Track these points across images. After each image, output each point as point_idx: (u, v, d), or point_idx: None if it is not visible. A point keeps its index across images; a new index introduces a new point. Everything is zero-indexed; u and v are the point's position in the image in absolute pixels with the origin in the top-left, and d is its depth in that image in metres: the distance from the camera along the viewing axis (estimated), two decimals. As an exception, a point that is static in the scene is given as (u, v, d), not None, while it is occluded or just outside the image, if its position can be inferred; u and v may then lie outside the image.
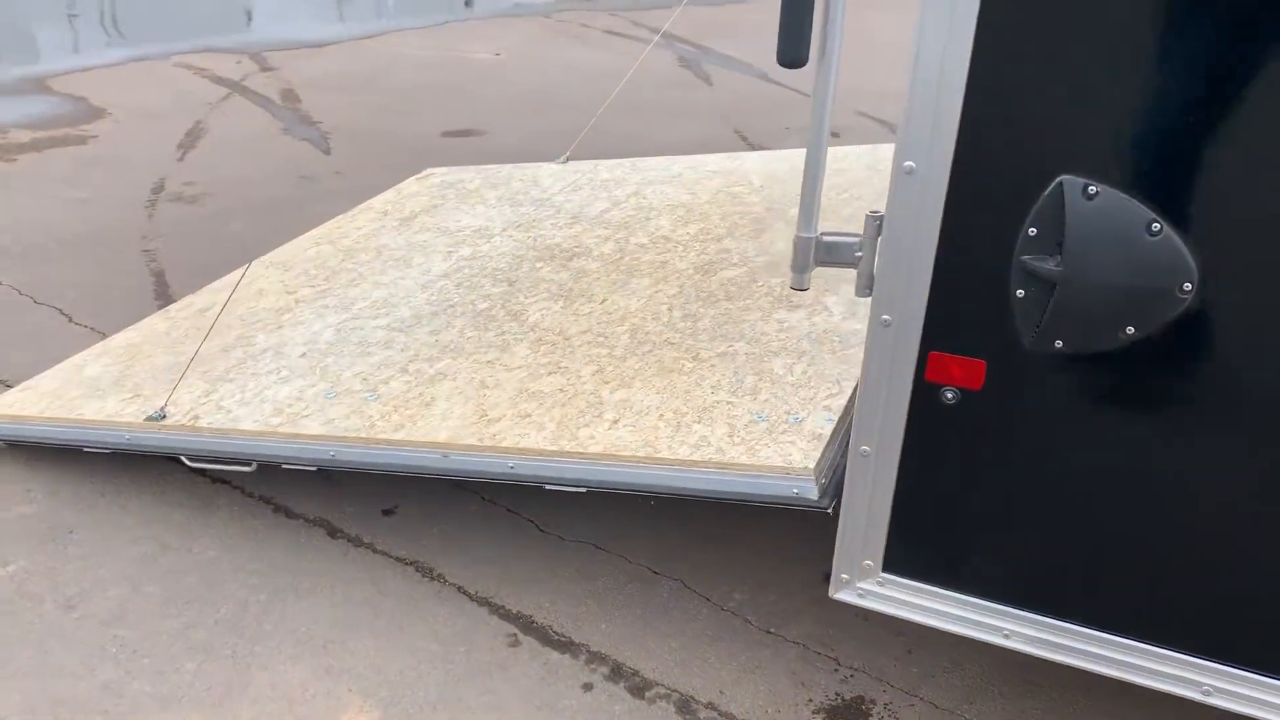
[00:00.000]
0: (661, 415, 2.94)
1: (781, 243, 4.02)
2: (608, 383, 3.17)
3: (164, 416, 3.40)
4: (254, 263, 4.76)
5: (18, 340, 4.56)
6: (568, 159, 5.54)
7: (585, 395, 3.11)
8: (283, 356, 3.70)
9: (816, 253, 2.17)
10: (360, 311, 3.97)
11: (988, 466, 2.21)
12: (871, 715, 2.81)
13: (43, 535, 3.42)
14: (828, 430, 2.73)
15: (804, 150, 2.09)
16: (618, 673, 2.94)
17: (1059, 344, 2.01)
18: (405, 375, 3.42)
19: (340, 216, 5.26)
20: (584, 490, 2.84)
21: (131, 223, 5.74)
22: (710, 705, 2.86)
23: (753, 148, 7.06)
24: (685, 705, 2.84)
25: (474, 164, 5.77)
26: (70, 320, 4.70)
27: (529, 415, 3.06)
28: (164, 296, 4.89)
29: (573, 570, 3.30)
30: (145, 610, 3.12)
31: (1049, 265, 1.95)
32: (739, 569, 3.30)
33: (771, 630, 3.10)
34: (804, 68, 2.03)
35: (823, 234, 2.16)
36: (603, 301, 3.77)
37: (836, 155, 4.76)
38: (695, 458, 2.72)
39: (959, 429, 2.19)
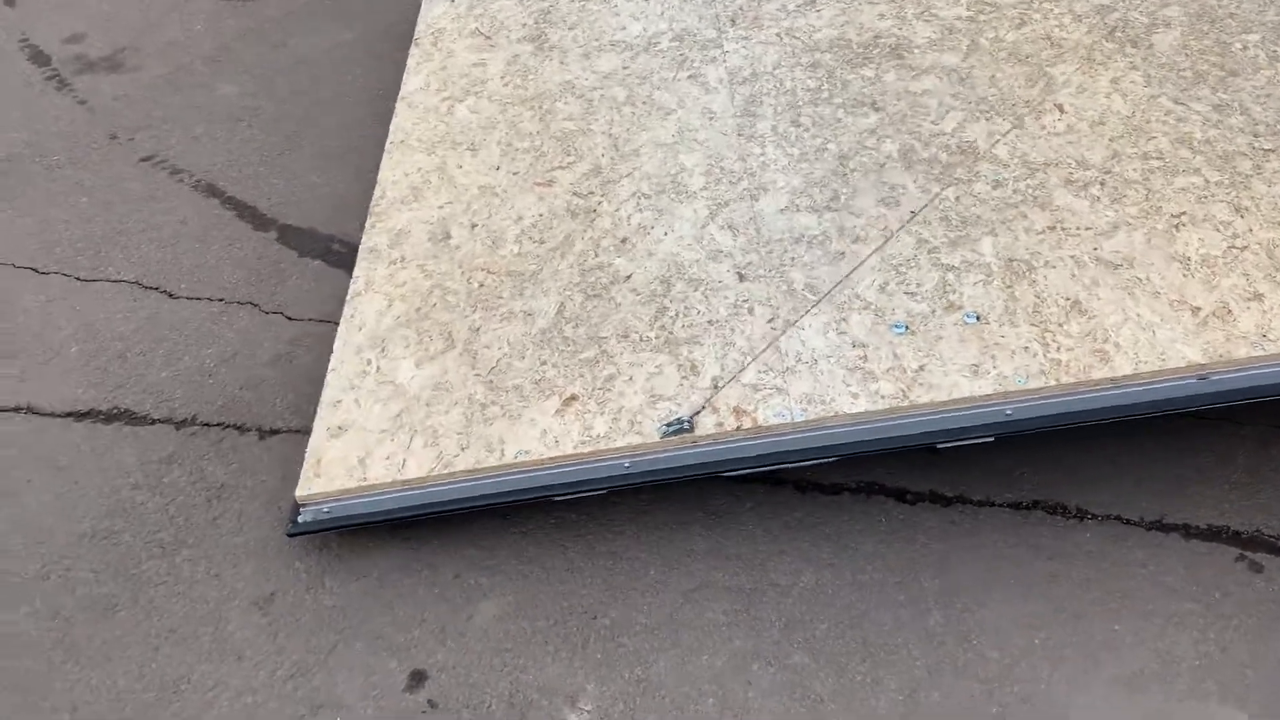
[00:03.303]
0: None
1: (1165, -15, 3.21)
2: (1290, 225, 2.40)
3: (691, 426, 2.26)
4: (392, 148, 3.30)
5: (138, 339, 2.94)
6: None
7: (1286, 248, 2.34)
8: (713, 287, 2.57)
9: None
10: (707, 193, 2.85)
11: None
12: None
13: (565, 638, 2.30)
14: None
15: None
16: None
17: None
18: (963, 274, 2.48)
19: (415, 54, 3.75)
20: None
21: (62, 116, 3.81)
22: None
23: None
24: None
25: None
26: (172, 296, 3.07)
27: (1259, 294, 2.27)
28: (263, 222, 3.30)
29: (1198, 457, 2.63)
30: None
31: None
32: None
33: None
34: None
35: None
36: (1063, 111, 2.87)
37: None
38: None
39: None
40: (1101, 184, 2.58)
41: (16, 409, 2.71)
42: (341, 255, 3.13)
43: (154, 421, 2.67)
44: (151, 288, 3.03)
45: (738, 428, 2.23)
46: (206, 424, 2.65)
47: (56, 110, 3.77)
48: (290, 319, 2.93)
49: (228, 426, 2.64)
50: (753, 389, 2.30)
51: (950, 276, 2.44)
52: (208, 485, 2.51)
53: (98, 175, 3.45)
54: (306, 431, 2.62)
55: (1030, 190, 2.61)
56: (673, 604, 2.29)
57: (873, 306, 2.41)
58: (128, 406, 2.70)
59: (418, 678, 2.17)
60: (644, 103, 3.22)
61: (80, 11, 4.30)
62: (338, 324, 2.86)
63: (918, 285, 2.44)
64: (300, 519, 2.35)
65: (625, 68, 3.40)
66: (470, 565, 2.36)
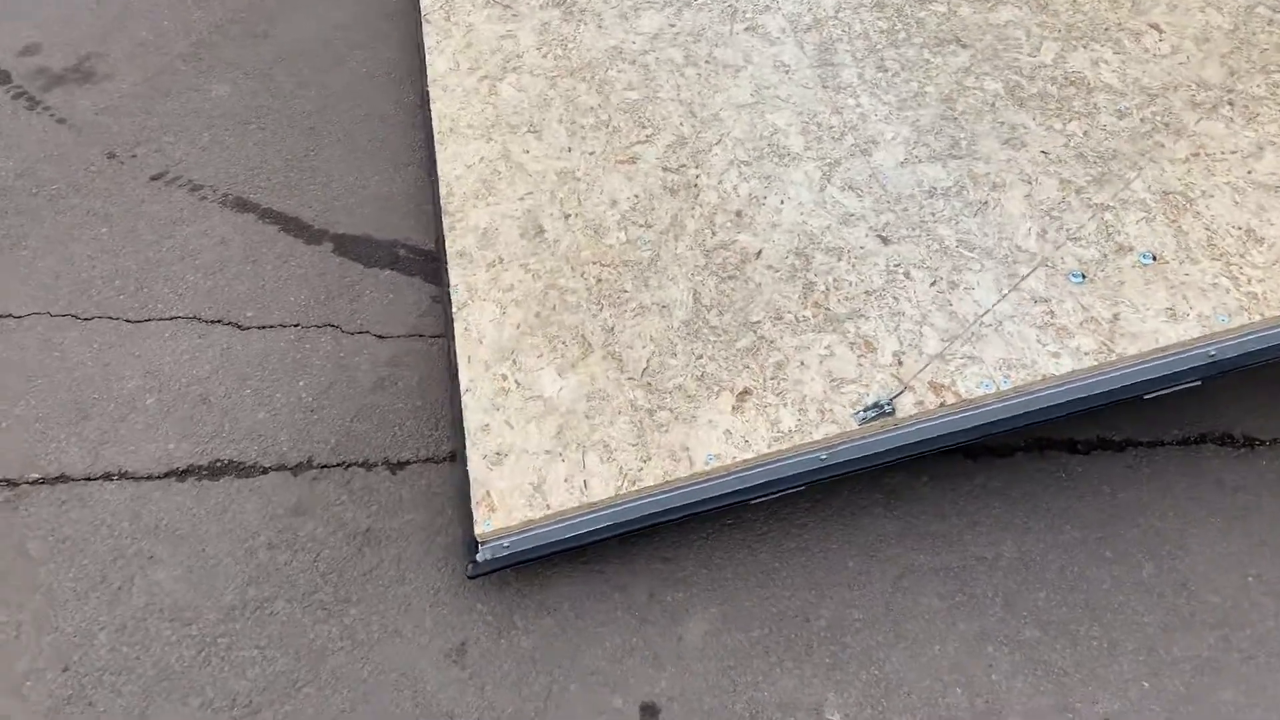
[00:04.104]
0: None
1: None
2: None
3: (892, 409, 2.14)
4: (442, 138, 3.07)
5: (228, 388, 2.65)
6: None
7: None
8: (857, 254, 2.46)
9: None
10: (812, 153, 2.71)
11: None
12: None
13: (786, 646, 2.17)
14: None
15: None
16: None
17: None
18: (1121, 213, 2.42)
19: (430, 32, 3.50)
20: None
21: (45, 139, 3.43)
22: None
23: None
24: None
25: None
26: (240, 327, 2.81)
27: None
28: (312, 234, 3.05)
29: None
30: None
31: None
32: None
33: None
34: None
35: None
36: (1162, 31, 2.80)
37: None
38: None
39: None
40: (1230, 104, 2.50)
41: (108, 476, 2.43)
42: (412, 262, 2.88)
43: (266, 470, 2.42)
44: (214, 321, 2.75)
45: (941, 404, 2.10)
46: (325, 465, 2.42)
47: (36, 133, 3.38)
48: (380, 338, 2.69)
49: (351, 465, 2.41)
50: (942, 360, 2.17)
51: (1109, 216, 2.34)
52: (350, 533, 2.29)
53: (110, 201, 3.12)
54: (439, 459, 2.41)
55: (1158, 117, 2.52)
56: (884, 594, 2.17)
57: (1039, 256, 2.30)
58: (231, 457, 2.45)
59: (650, 712, 2.02)
60: (706, 62, 3.03)
61: (26, 19, 3.87)
62: (434, 338, 2.64)
63: (1078, 229, 2.33)
64: (479, 558, 2.15)
65: (672, 26, 3.19)
66: (661, 581, 2.20)
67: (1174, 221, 2.30)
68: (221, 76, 3.60)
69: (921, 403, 2.13)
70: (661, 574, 2.22)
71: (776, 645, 2.10)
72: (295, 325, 2.73)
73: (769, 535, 2.28)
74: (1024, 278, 2.23)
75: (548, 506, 2.13)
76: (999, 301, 2.24)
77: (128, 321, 2.78)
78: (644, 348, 2.35)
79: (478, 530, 2.13)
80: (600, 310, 2.44)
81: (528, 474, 2.19)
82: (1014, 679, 2.05)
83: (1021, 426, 2.15)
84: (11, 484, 2.42)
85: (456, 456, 2.36)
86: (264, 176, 3.19)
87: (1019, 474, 2.37)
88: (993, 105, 2.66)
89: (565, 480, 2.16)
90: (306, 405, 2.55)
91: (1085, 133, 2.53)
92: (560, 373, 2.34)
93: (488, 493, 2.18)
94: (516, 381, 2.35)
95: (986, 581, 2.19)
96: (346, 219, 3.03)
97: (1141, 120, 2.52)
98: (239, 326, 2.75)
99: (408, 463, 2.43)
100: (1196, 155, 2.41)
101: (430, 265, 2.88)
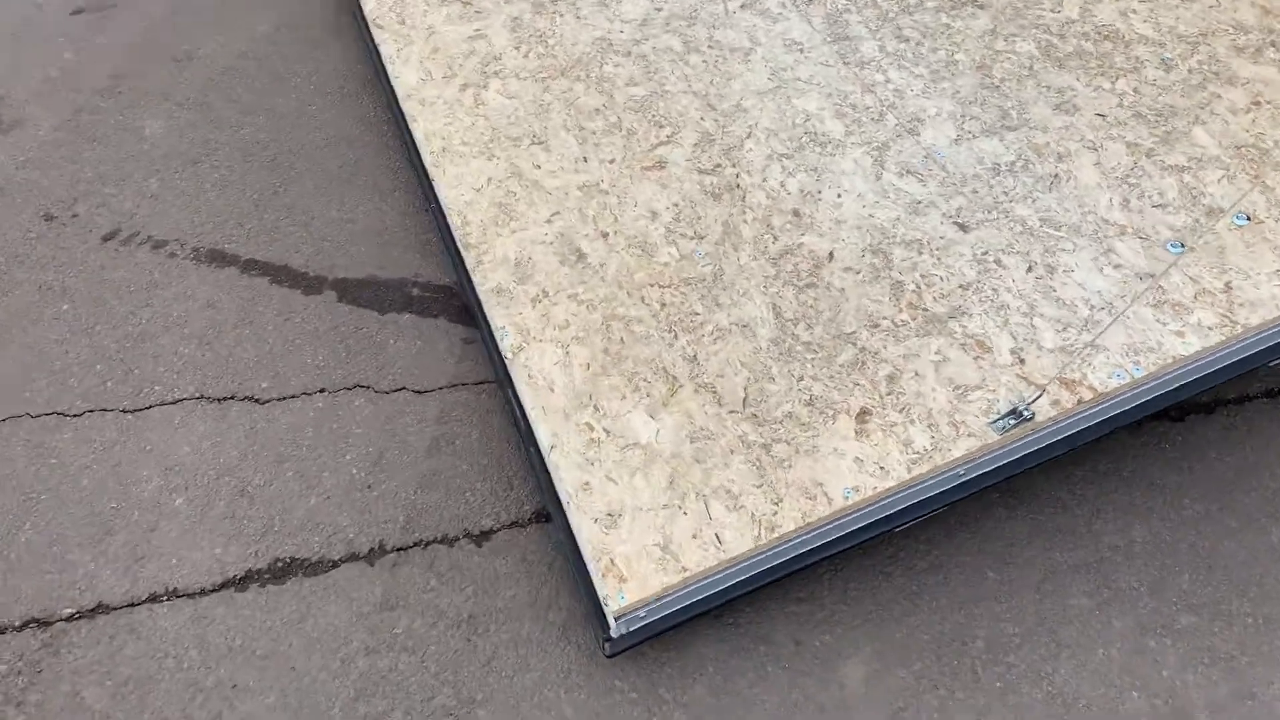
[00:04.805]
0: None
1: None
2: None
3: (1032, 414, 2.05)
4: (437, 160, 2.84)
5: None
6: None
7: None
8: (938, 245, 2.34)
9: None
10: (855, 138, 2.58)
11: None
12: None
13: (954, 676, 2.05)
14: None
15: None
16: None
17: None
18: (1199, 173, 2.34)
19: (385, 38, 3.23)
20: None
21: None
22: None
23: None
24: None
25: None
26: (258, 401, 2.54)
27: None
28: (309, 282, 2.76)
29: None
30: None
31: None
32: None
33: None
34: None
35: None
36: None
37: None
38: None
39: None
40: (1274, 45, 2.44)
41: (155, 598, 2.13)
42: (430, 301, 2.62)
43: (336, 563, 2.16)
44: (225, 398, 2.44)
45: (1078, 401, 1.99)
46: (401, 548, 2.17)
47: (-49, 200, 2.95)
48: (419, 393, 2.43)
49: (429, 543, 2.18)
50: (1064, 352, 2.06)
51: (1188, 178, 2.26)
52: (453, 622, 2.07)
53: (63, 272, 2.74)
54: (524, 522, 2.20)
55: (1205, 66, 2.44)
56: (1032, 602, 2.08)
57: (1130, 229, 2.20)
58: (292, 554, 2.18)
59: (833, 773, 1.87)
60: (709, 47, 2.83)
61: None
62: (479, 385, 2.41)
63: (1159, 195, 2.24)
64: (614, 634, 1.96)
65: (659, 10, 2.97)
66: (803, 625, 2.05)
67: (1256, 177, 2.22)
68: (152, 110, 3.20)
69: (1058, 402, 2.00)
70: (800, 617, 2.06)
71: (942, 677, 1.97)
72: (320, 391, 2.44)
73: (898, 557, 2.14)
74: (1164, 271, 2.11)
75: (683, 569, 1.94)
76: (1131, 305, 2.12)
77: (125, 412, 2.44)
78: (736, 375, 2.16)
79: (612, 606, 1.93)
80: (675, 338, 2.24)
81: (650, 533, 1.99)
82: (1185, 673, 1.97)
83: (1154, 411, 2.05)
84: (43, 624, 2.10)
85: (549, 517, 2.14)
86: (234, 223, 2.85)
87: (1123, 451, 2.29)
88: (1031, 69, 2.54)
89: (694, 536, 1.97)
90: (361, 482, 2.28)
91: (1136, 90, 2.43)
92: (651, 414, 2.14)
93: (611, 560, 1.97)
94: (605, 430, 2.13)
95: (1127, 571, 2.11)
96: (343, 260, 2.73)
97: (1190, 71, 2.43)
98: (256, 400, 2.44)
99: (491, 531, 2.20)
100: (1258, 104, 2.33)
101: (451, 302, 2.62)
